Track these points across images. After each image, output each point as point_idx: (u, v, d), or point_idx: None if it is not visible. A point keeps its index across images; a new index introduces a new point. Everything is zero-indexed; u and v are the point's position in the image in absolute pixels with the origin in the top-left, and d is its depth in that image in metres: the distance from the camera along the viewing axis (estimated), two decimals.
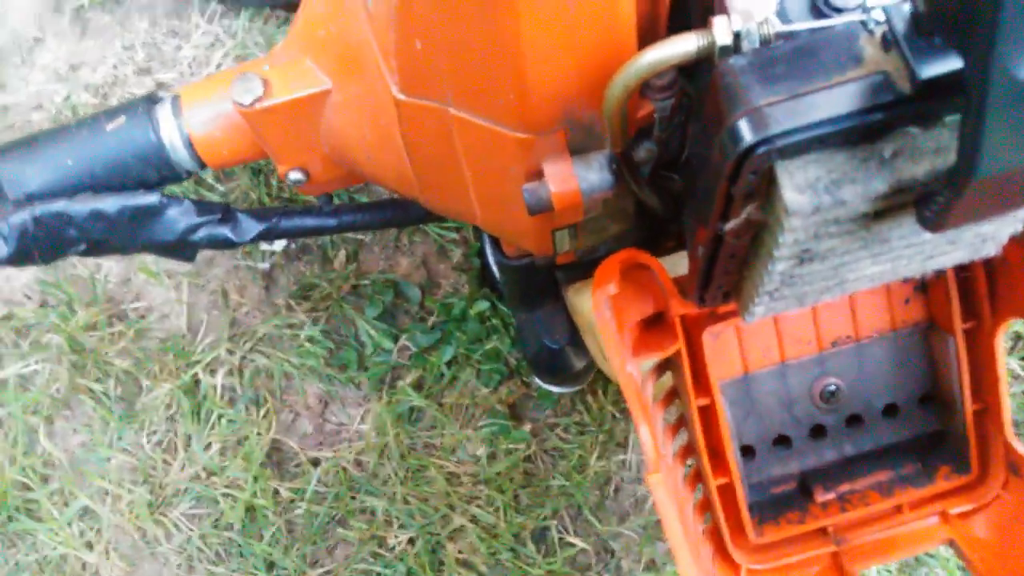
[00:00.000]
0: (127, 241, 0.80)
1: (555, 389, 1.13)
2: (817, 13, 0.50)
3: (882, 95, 0.41)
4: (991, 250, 0.55)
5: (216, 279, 1.25)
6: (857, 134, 0.42)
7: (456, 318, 1.21)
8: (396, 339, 1.21)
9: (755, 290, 0.53)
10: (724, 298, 0.59)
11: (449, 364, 1.20)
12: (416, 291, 1.23)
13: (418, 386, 1.19)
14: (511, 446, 1.15)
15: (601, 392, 1.17)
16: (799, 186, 0.43)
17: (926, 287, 0.71)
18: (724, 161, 0.44)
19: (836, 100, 0.42)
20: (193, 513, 1.13)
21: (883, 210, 0.45)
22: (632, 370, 0.63)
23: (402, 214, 0.89)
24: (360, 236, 1.25)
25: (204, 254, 1.25)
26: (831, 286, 0.54)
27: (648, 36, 0.59)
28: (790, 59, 0.44)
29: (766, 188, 0.45)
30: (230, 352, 1.21)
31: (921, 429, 0.75)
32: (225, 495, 1.13)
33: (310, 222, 0.86)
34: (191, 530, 1.13)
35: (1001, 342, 0.68)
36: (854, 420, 0.75)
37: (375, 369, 1.19)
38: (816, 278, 0.52)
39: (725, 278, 0.55)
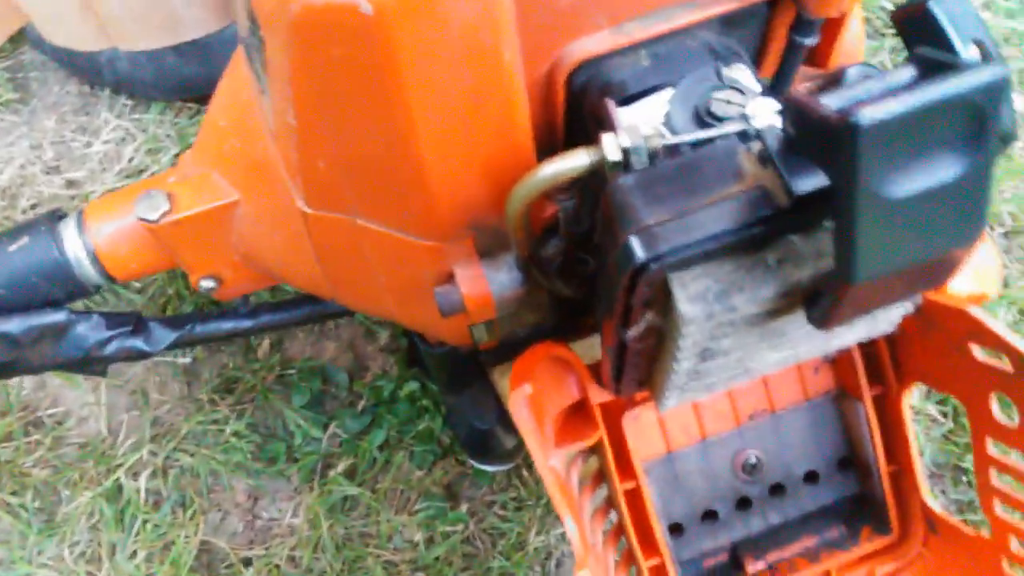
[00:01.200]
0: (35, 362, 0.77)
1: (489, 468, 1.13)
2: (700, 123, 0.53)
3: (762, 209, 0.44)
4: (886, 329, 0.58)
5: (135, 378, 1.22)
6: (742, 245, 0.44)
7: (386, 401, 1.20)
8: (326, 427, 1.19)
9: (664, 385, 0.55)
10: (639, 387, 0.60)
11: (381, 448, 1.18)
12: (344, 376, 1.22)
13: (350, 474, 1.17)
14: (448, 528, 1.14)
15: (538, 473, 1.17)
16: (691, 297, 0.44)
17: (832, 357, 0.74)
18: (620, 275, 0.45)
19: (719, 216, 0.44)
20: None
21: (775, 310, 0.47)
22: (556, 463, 0.63)
23: (321, 310, 0.89)
24: None
25: None
26: (737, 375, 0.56)
27: (546, 143, 0.61)
28: (675, 177, 0.46)
29: (662, 297, 0.46)
30: (153, 453, 1.17)
31: (842, 493, 0.77)
32: None
33: (227, 325, 0.85)
34: None
35: (908, 406, 0.71)
36: (777, 489, 0.76)
37: (305, 460, 1.17)
38: (721, 370, 0.54)
39: (636, 372, 0.56)
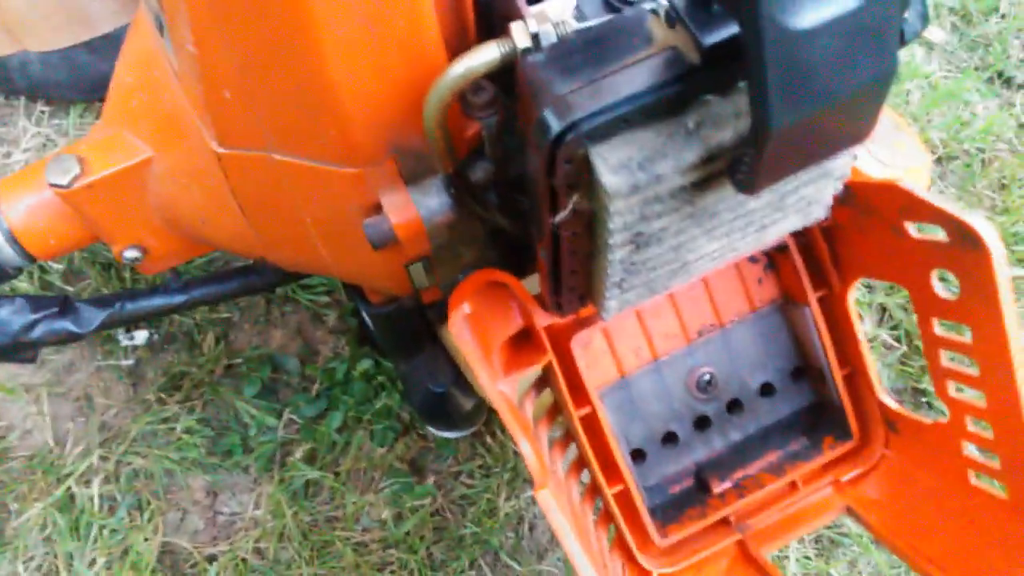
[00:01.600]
0: None
1: (450, 434, 1.11)
2: (610, 8, 0.51)
3: (674, 68, 0.43)
4: (820, 213, 0.57)
5: (78, 384, 1.17)
6: (659, 109, 0.43)
7: (340, 382, 1.17)
8: (280, 415, 1.16)
9: (603, 284, 0.53)
10: (580, 301, 0.59)
11: (340, 430, 1.15)
12: (295, 361, 1.19)
13: (310, 459, 1.14)
14: (416, 503, 1.12)
15: (499, 432, 1.15)
16: (613, 167, 0.43)
17: (775, 264, 0.73)
18: (539, 154, 0.44)
19: (632, 79, 0.43)
20: None
21: (701, 181, 0.46)
22: (505, 388, 0.62)
23: (257, 280, 0.86)
24: (227, 314, 1.20)
25: (62, 360, 1.18)
26: (676, 269, 0.54)
27: (460, 52, 0.59)
28: (586, 48, 0.45)
29: (586, 176, 0.45)
30: (103, 459, 1.13)
31: (799, 403, 0.76)
32: None
33: (157, 301, 0.82)
34: None
35: (853, 304, 0.70)
36: (734, 406, 0.76)
37: (262, 450, 1.14)
38: (658, 262, 0.52)
39: (573, 279, 0.55)
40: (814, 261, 0.70)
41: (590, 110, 0.42)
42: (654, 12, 0.46)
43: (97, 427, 1.14)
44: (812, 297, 0.70)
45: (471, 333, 0.59)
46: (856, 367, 0.72)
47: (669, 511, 0.74)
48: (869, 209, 0.62)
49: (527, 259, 0.80)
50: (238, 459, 1.14)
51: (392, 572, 1.08)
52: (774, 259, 0.73)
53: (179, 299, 0.83)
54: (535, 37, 0.48)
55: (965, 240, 0.55)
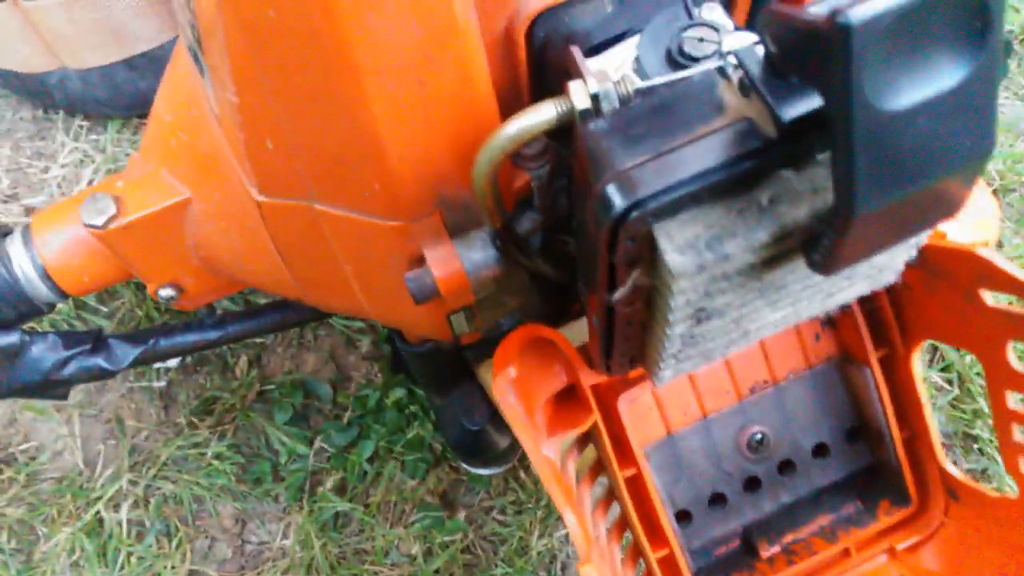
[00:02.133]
0: None
1: (484, 471, 1.08)
2: (673, 65, 0.48)
3: (748, 142, 0.39)
4: (890, 279, 0.53)
5: (109, 406, 1.16)
6: (730, 185, 0.40)
7: (372, 410, 1.15)
8: (311, 442, 1.14)
9: (658, 354, 0.50)
10: (631, 364, 0.56)
11: (371, 460, 1.13)
12: (327, 388, 1.17)
13: (340, 489, 1.12)
14: (447, 538, 1.09)
15: (532, 468, 1.12)
16: (680, 247, 0.40)
17: (833, 321, 0.70)
18: (599, 230, 0.41)
19: (702, 153, 0.40)
20: None
21: (771, 258, 0.43)
22: (549, 452, 0.59)
23: (292, 315, 0.84)
24: (260, 339, 1.19)
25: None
26: (735, 339, 0.51)
27: (512, 106, 0.57)
28: (651, 116, 0.42)
29: (648, 252, 0.42)
30: (132, 483, 1.12)
31: (854, 465, 0.72)
32: None
33: (192, 338, 0.81)
34: None
35: (918, 366, 0.66)
36: (786, 466, 0.72)
37: (292, 478, 1.12)
38: (718, 334, 0.49)
39: (626, 345, 0.52)
40: (877, 320, 0.67)
41: (656, 188, 0.39)
42: (724, 75, 0.43)
43: (128, 450, 1.13)
44: (873, 357, 0.67)
45: (516, 396, 0.56)
46: (916, 430, 0.68)
47: (715, 574, 0.71)
48: (941, 273, 0.58)
49: (570, 302, 0.77)
50: (268, 487, 1.12)
51: None
52: (833, 316, 0.69)
53: (214, 335, 0.81)
54: (595, 98, 0.46)
55: None
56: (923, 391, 0.66)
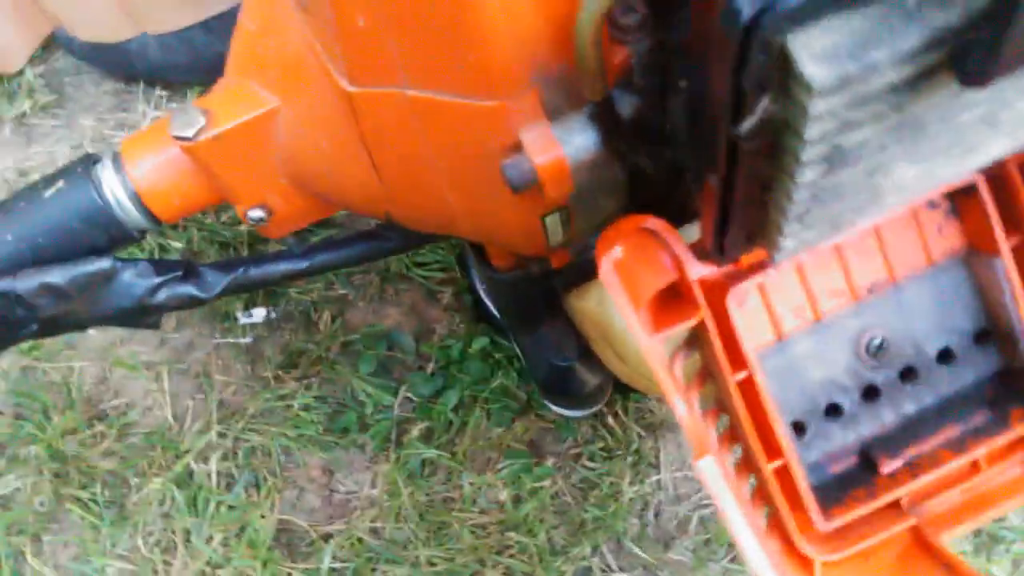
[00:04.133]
0: (82, 314, 0.73)
1: (572, 413, 1.05)
2: None
3: None
4: None
5: (197, 362, 1.17)
6: None
7: (456, 360, 1.14)
8: (396, 392, 1.13)
9: (782, 217, 0.46)
10: (748, 242, 0.52)
11: (456, 409, 1.12)
12: (409, 339, 1.16)
13: (427, 438, 1.10)
14: (536, 485, 1.07)
15: (622, 412, 1.09)
16: (818, 56, 0.36)
17: (958, 210, 0.65)
18: (726, 48, 0.38)
19: None
20: None
21: (917, 77, 0.39)
22: (656, 343, 0.56)
23: (378, 246, 0.82)
24: (343, 292, 1.18)
25: (182, 338, 1.18)
26: (867, 200, 0.47)
27: None
28: None
29: (780, 74, 0.38)
30: (221, 435, 1.12)
31: (984, 371, 0.67)
32: None
33: (281, 267, 0.80)
34: None
35: None
36: (908, 373, 0.67)
37: (378, 428, 1.11)
38: (849, 189, 0.45)
39: (745, 212, 0.49)
40: (1008, 203, 0.61)
41: None
42: None
43: (215, 404, 1.14)
44: (1005, 245, 0.61)
45: (623, 281, 0.53)
46: None
47: (832, 492, 0.66)
48: None
49: (670, 214, 0.74)
50: (354, 437, 1.11)
51: (511, 556, 1.03)
52: (957, 203, 0.64)
53: (303, 265, 0.80)
54: None
55: None
56: None
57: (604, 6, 0.46)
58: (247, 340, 1.18)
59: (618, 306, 0.53)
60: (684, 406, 0.52)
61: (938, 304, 0.66)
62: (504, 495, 1.06)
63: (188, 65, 1.28)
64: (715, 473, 0.50)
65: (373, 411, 1.12)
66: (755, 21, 0.36)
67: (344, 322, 1.18)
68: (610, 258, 0.53)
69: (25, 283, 0.69)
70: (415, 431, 1.11)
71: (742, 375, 0.62)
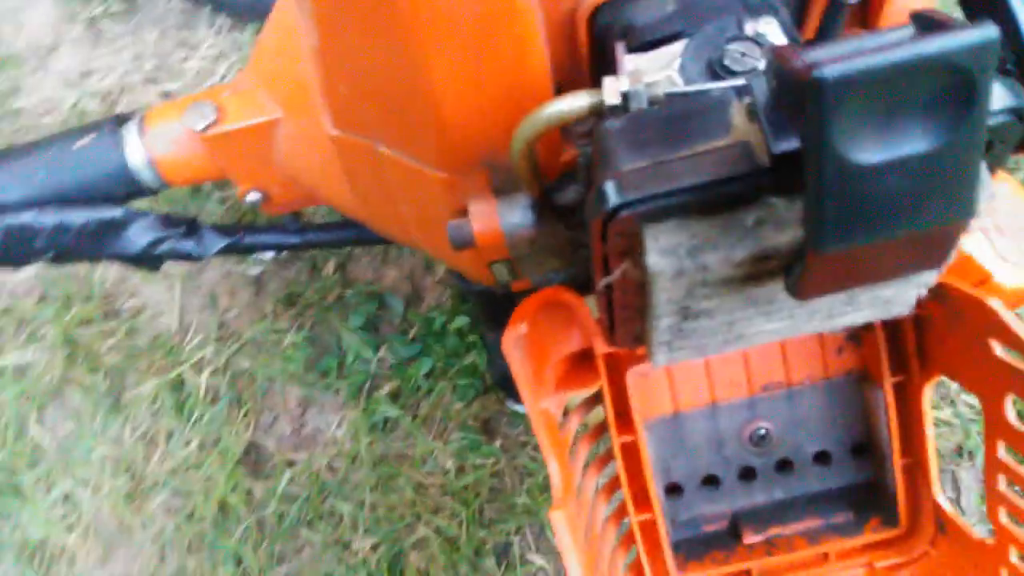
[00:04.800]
0: (92, 252, 0.83)
1: (521, 409, 1.14)
2: (712, 75, 0.51)
3: (743, 165, 0.42)
4: (901, 311, 0.55)
5: (209, 282, 1.29)
6: (718, 202, 0.43)
7: (436, 332, 1.23)
8: (377, 349, 1.23)
9: (651, 339, 0.54)
10: (636, 342, 0.60)
11: (427, 376, 1.22)
12: (400, 303, 1.26)
13: (395, 397, 1.21)
14: (480, 461, 1.17)
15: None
16: (662, 250, 0.43)
17: (859, 337, 0.71)
18: (592, 221, 0.45)
19: (699, 168, 0.43)
20: (169, 505, 1.17)
21: (752, 275, 0.46)
22: (549, 405, 0.64)
23: (365, 234, 0.91)
24: (347, 247, 1.28)
25: None
26: (730, 339, 0.54)
27: (573, 84, 0.60)
28: (663, 125, 0.45)
29: (636, 248, 0.45)
30: (216, 353, 1.24)
31: (853, 479, 0.74)
32: (201, 489, 1.17)
33: (275, 238, 0.89)
34: (166, 521, 1.16)
35: (929, 398, 0.67)
36: (784, 465, 0.75)
37: (354, 377, 1.22)
38: (708, 332, 0.52)
39: (626, 326, 0.56)
40: (899, 345, 0.67)
41: (649, 192, 0.42)
42: (742, 95, 0.45)
43: (217, 324, 1.26)
44: (888, 380, 0.68)
45: (523, 351, 0.61)
46: (918, 459, 0.69)
47: (696, 548, 0.75)
48: (958, 313, 0.59)
49: None
50: (331, 381, 1.22)
51: (443, 518, 1.15)
52: (858, 333, 0.71)
53: (293, 240, 0.89)
54: (625, 96, 0.49)
55: None
56: (930, 423, 0.67)
57: (531, 135, 0.53)
58: (255, 272, 1.28)
59: (514, 374, 0.61)
60: (554, 465, 0.60)
61: (826, 413, 0.73)
62: (450, 464, 1.17)
63: (250, 4, 1.35)
64: (563, 526, 0.58)
65: (353, 361, 1.23)
66: (617, 210, 0.43)
67: (345, 274, 1.28)
68: (514, 332, 0.60)
69: (47, 218, 0.80)
70: (386, 388, 1.21)
71: (628, 439, 0.70)
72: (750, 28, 0.53)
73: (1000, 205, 0.73)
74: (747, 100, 0.43)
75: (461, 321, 1.22)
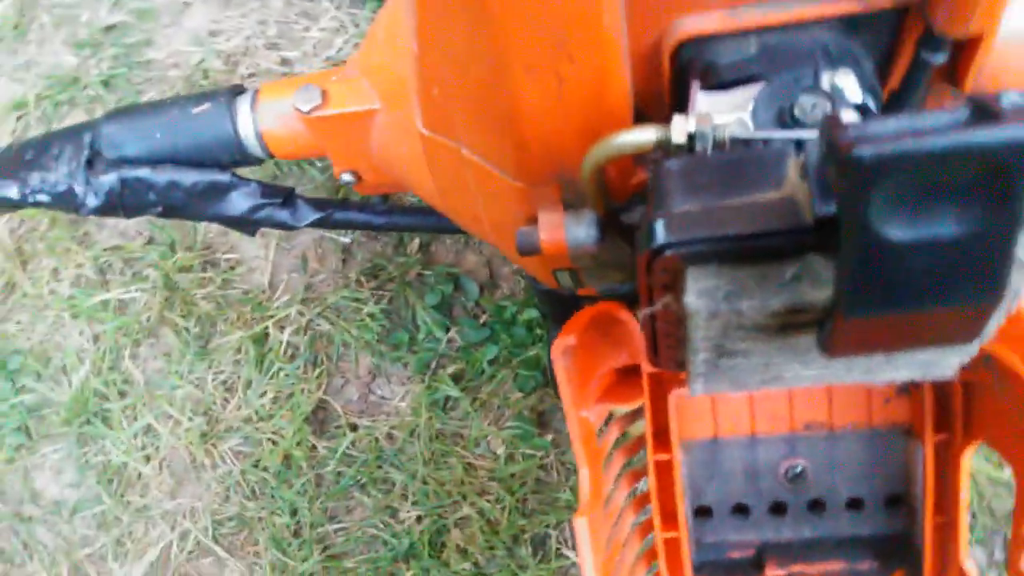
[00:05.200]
0: (198, 211, 0.90)
1: None
2: (781, 123, 0.52)
3: (786, 221, 0.44)
4: (944, 373, 0.55)
5: (301, 245, 1.36)
6: (759, 253, 0.45)
7: (506, 321, 1.27)
8: (448, 329, 1.28)
9: (689, 371, 0.56)
10: (678, 367, 0.62)
11: (491, 362, 1.26)
12: (475, 288, 1.30)
13: (457, 378, 1.26)
14: (530, 451, 1.21)
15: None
16: (700, 291, 0.46)
17: (908, 391, 0.71)
18: (640, 255, 0.48)
19: (747, 218, 0.45)
20: (239, 450, 1.26)
21: (786, 325, 0.47)
22: (588, 415, 0.67)
23: (446, 223, 0.95)
24: None
25: None
26: (767, 379, 0.56)
27: (654, 111, 0.63)
28: (720, 170, 0.47)
29: (679, 285, 0.48)
30: (300, 313, 1.32)
31: (883, 528, 0.75)
32: (269, 440, 1.25)
33: (362, 217, 0.94)
34: (234, 464, 1.25)
35: (969, 460, 0.67)
36: (817, 505, 0.76)
37: (423, 354, 1.27)
38: (745, 371, 0.54)
39: (668, 352, 0.58)
40: (945, 405, 0.68)
41: (695, 235, 0.45)
42: (800, 151, 0.47)
43: (304, 285, 1.33)
44: (930, 439, 0.68)
45: (571, 361, 0.64)
46: (951, 519, 0.69)
47: (717, 572, 0.77)
48: (1004, 385, 0.59)
49: None
50: (401, 354, 1.28)
51: (488, 500, 1.19)
52: (910, 386, 0.71)
53: (380, 220, 0.94)
54: (691, 137, 0.51)
55: None
56: (966, 486, 0.67)
57: (601, 160, 0.56)
58: (346, 240, 1.35)
59: (559, 383, 0.64)
60: (586, 473, 0.63)
61: (865, 461, 0.74)
62: (501, 450, 1.22)
63: None
64: (584, 533, 0.62)
65: (424, 338, 1.28)
66: (662, 248, 0.46)
67: (428, 253, 1.33)
68: (563, 342, 0.64)
69: (160, 176, 0.87)
70: (451, 368, 1.26)
71: (664, 457, 0.73)
72: (827, 79, 0.54)
73: None
74: (803, 156, 0.45)
75: (531, 313, 1.25)
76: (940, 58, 0.55)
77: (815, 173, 0.43)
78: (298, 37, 1.45)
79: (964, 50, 0.57)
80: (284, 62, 1.44)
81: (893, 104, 0.60)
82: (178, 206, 0.89)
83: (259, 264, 1.36)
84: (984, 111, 0.38)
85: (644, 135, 0.53)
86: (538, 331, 1.25)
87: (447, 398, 1.26)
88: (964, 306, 0.40)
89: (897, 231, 0.37)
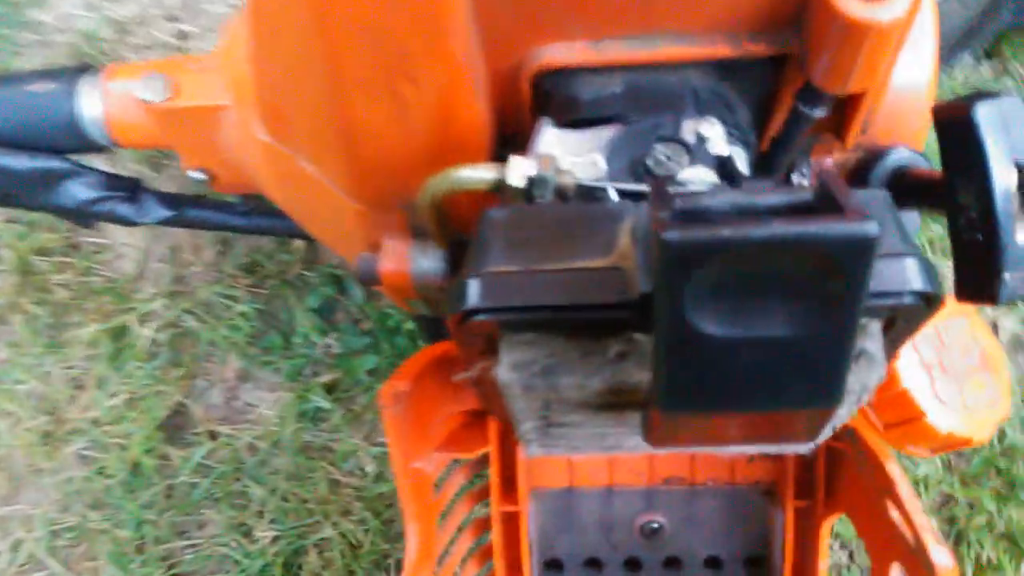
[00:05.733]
0: (28, 199, 0.81)
1: None
2: (632, 173, 0.47)
3: (610, 294, 0.38)
4: (798, 449, 0.51)
5: (176, 233, 1.26)
6: (580, 327, 0.39)
7: (390, 329, 1.21)
8: (326, 335, 1.21)
9: (519, 434, 0.51)
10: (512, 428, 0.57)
11: (370, 373, 1.19)
12: (360, 292, 1.23)
13: (331, 388, 1.19)
14: None
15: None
16: (514, 364, 0.40)
17: (771, 454, 0.68)
18: (455, 317, 0.42)
19: (565, 287, 0.39)
20: (84, 454, 1.16)
21: (612, 403, 0.42)
22: (423, 466, 0.61)
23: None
24: None
25: None
26: (606, 447, 0.51)
27: (519, 138, 0.57)
28: (547, 226, 0.41)
29: (492, 352, 0.42)
30: (166, 307, 1.22)
31: None
32: (118, 444, 1.15)
33: (219, 218, 0.86)
34: (76, 471, 1.15)
35: (829, 530, 0.64)
36: (673, 562, 0.72)
37: (297, 360, 1.20)
38: (580, 440, 0.49)
39: (502, 412, 0.53)
40: (809, 468, 0.64)
41: (510, 303, 0.39)
42: (635, 216, 0.41)
43: (173, 277, 1.24)
44: (790, 504, 0.65)
45: (402, 409, 0.58)
46: None
47: None
48: (864, 463, 0.55)
49: None
50: (273, 359, 1.20)
51: (351, 521, 1.12)
52: None
53: (238, 222, 0.86)
54: (531, 181, 0.45)
55: (924, 562, 0.48)
56: (825, 554, 0.64)
57: (437, 194, 0.50)
58: (226, 232, 1.26)
59: (385, 431, 0.58)
60: (414, 526, 0.58)
61: (725, 519, 0.70)
62: (371, 468, 1.15)
63: None
64: None
65: (300, 343, 1.20)
66: (473, 312, 0.40)
67: (313, 251, 1.25)
68: (391, 390, 0.57)
69: None
70: (326, 376, 1.19)
71: (511, 508, 0.67)
72: (690, 128, 0.49)
73: (954, 342, 0.69)
74: (637, 218, 0.40)
75: (415, 324, 1.19)
76: (820, 112, 0.50)
77: (643, 243, 0.38)
78: (200, 9, 1.35)
79: (846, 106, 0.52)
80: (181, 35, 1.33)
81: (774, 153, 0.55)
82: (10, 193, 0.79)
83: (127, 251, 1.26)
84: (828, 199, 0.33)
85: (479, 174, 0.47)
86: (420, 343, 1.18)
87: (318, 409, 1.18)
88: (795, 410, 0.36)
89: (715, 326, 0.32)
